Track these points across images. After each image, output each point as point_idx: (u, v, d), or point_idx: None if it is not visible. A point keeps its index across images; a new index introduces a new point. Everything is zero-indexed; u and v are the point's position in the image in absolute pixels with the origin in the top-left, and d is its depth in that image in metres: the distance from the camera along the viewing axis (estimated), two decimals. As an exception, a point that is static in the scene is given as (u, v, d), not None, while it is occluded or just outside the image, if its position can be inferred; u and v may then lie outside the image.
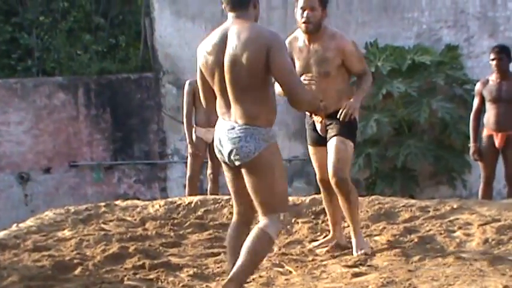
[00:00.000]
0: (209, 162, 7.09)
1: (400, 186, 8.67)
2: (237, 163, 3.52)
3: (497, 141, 6.48)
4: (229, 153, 3.51)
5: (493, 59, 6.48)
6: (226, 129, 3.51)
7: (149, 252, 4.59)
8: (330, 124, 4.44)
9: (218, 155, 3.63)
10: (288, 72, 3.41)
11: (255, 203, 3.54)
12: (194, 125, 6.93)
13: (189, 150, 6.97)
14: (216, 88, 3.53)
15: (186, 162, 7.21)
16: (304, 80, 4.29)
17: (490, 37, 9.02)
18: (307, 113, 4.58)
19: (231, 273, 3.45)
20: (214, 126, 6.87)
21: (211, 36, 3.53)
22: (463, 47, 9.06)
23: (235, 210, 3.73)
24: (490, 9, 9.04)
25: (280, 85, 3.45)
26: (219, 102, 3.56)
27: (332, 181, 4.37)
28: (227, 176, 3.67)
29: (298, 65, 4.42)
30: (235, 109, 3.47)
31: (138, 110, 9.73)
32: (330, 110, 4.39)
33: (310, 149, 4.66)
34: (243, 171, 3.51)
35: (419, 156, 8.64)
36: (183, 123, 7.07)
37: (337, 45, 4.36)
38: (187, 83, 7.04)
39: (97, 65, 9.86)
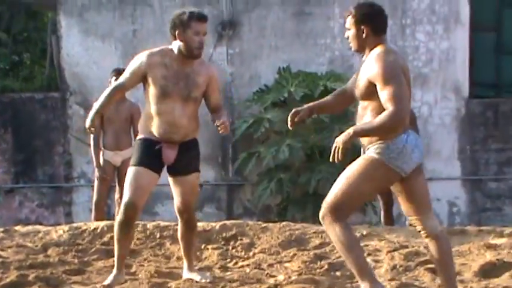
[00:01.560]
0: (117, 187, 6.95)
1: (311, 212, 8.68)
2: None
3: None
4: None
5: None
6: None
7: (50, 281, 4.41)
8: (186, 155, 4.31)
9: (413, 166, 3.68)
10: None
11: (422, 203, 3.67)
12: (102, 148, 6.79)
13: (96, 173, 6.84)
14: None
15: (93, 186, 7.07)
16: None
17: (399, 66, 9.26)
18: (154, 137, 4.29)
19: None
20: (123, 149, 6.91)
21: (397, 52, 3.82)
22: (373, 75, 9.26)
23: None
24: (400, 38, 9.29)
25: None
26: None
27: (185, 214, 4.41)
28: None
29: (160, 83, 4.22)
30: None
31: (43, 131, 9.46)
32: (186, 139, 4.31)
33: (137, 169, 4.24)
34: (413, 175, 3.69)
35: (331, 181, 8.49)
36: (90, 145, 6.93)
37: (207, 72, 4.37)
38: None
39: (-2, 83, 9.52)
